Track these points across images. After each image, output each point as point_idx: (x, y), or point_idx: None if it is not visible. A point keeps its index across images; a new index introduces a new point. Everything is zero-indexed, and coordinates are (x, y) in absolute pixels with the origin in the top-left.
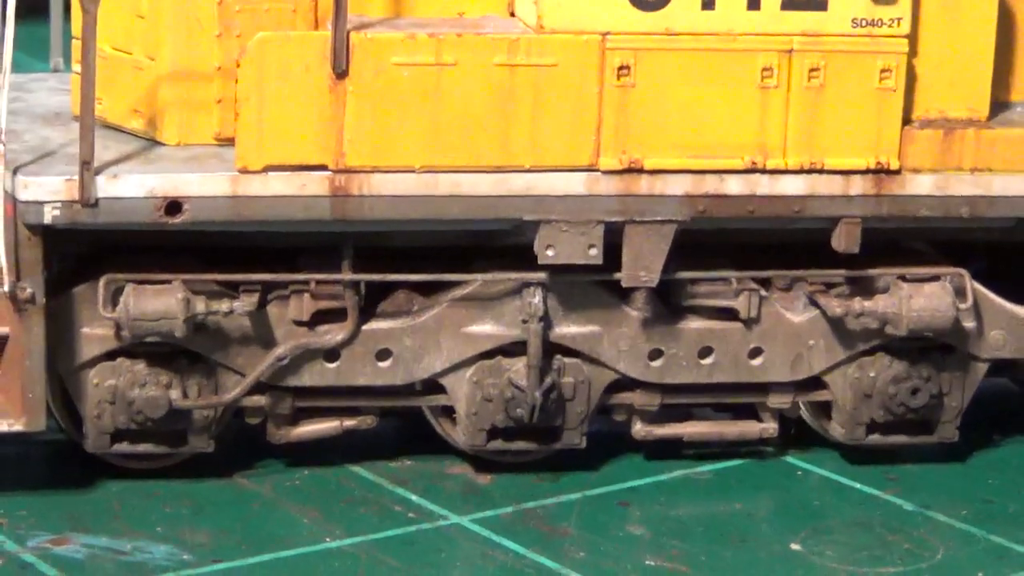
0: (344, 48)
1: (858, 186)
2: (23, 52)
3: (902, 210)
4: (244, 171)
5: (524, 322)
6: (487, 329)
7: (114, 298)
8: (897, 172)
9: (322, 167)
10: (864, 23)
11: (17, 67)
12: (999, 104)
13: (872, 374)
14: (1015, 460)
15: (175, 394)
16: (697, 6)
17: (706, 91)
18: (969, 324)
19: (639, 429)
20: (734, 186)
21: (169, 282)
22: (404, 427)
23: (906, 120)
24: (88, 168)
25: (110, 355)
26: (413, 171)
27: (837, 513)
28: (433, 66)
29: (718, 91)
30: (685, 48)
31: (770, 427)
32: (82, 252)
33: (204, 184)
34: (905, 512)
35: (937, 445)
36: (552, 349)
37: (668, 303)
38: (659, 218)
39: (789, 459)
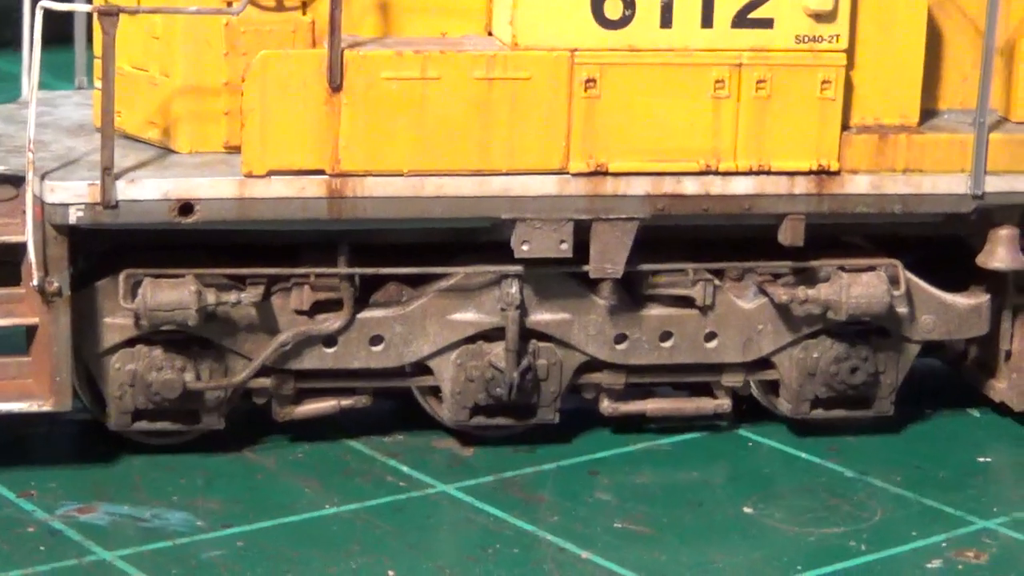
0: (339, 64)
1: (802, 186)
2: (51, 75)
3: (841, 207)
4: (249, 176)
5: (502, 310)
6: (469, 317)
7: (133, 291)
8: (837, 173)
9: (319, 171)
10: (806, 39)
11: (46, 87)
12: (928, 111)
13: (815, 355)
14: (944, 431)
15: (189, 377)
16: (656, 24)
17: (665, 101)
18: (902, 310)
19: (606, 406)
20: (690, 187)
21: (183, 276)
22: (395, 405)
23: (845, 126)
24: (109, 174)
25: (130, 342)
26: (401, 175)
27: (785, 480)
28: (419, 80)
29: (676, 101)
30: (646, 63)
31: (724, 403)
32: (104, 250)
33: (213, 187)
34: (846, 478)
35: (874, 418)
36: (528, 334)
37: (631, 292)
38: (623, 216)
39: (741, 432)
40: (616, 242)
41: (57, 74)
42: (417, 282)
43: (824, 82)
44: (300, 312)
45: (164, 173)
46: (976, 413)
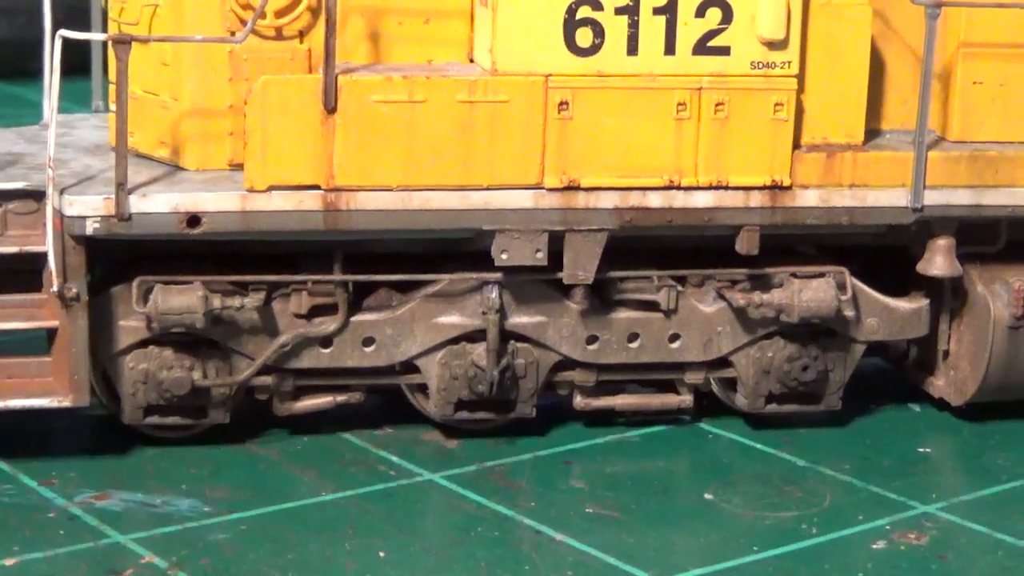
0: (333, 88)
1: (757, 200)
2: (71, 101)
3: (793, 219)
4: (251, 190)
5: (484, 314)
6: (454, 320)
7: (145, 296)
8: (789, 188)
9: (316, 186)
10: (760, 65)
11: (65, 111)
12: (872, 131)
13: (770, 354)
14: (887, 424)
15: (197, 375)
16: (623, 52)
17: (631, 122)
18: (849, 313)
19: (579, 401)
20: (655, 200)
21: (191, 283)
22: (386, 401)
23: (796, 145)
24: (123, 189)
25: (143, 343)
26: (391, 189)
27: (742, 468)
28: (407, 103)
29: (641, 122)
30: (614, 87)
31: (686, 399)
32: (118, 258)
33: (219, 201)
34: (798, 467)
35: (824, 412)
36: (507, 336)
37: (602, 297)
38: (593, 227)
39: (702, 425)
40: (587, 251)
41: (76, 101)
42: (406, 288)
43: (777, 104)
44: (299, 316)
45: (173, 188)
46: (917, 408)
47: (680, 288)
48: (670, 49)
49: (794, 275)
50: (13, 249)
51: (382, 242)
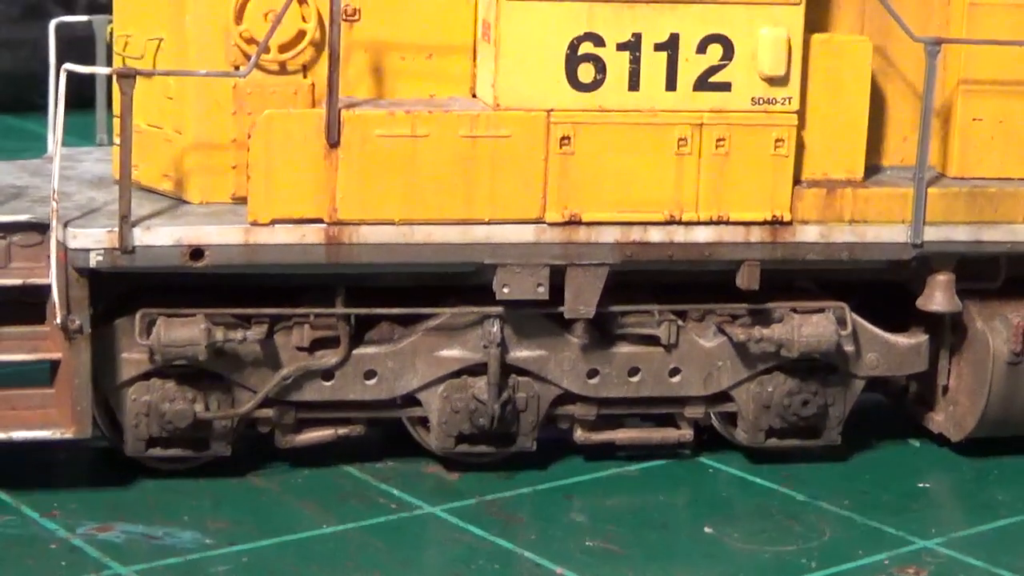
0: (336, 123)
1: (757, 235)
2: (75, 136)
3: (793, 254)
4: (255, 224)
5: (485, 347)
6: (455, 353)
7: (148, 328)
8: (789, 223)
9: (318, 220)
10: (761, 101)
11: (69, 145)
12: (872, 168)
13: (770, 389)
14: (887, 460)
15: (199, 408)
16: (625, 87)
17: (633, 157)
18: (849, 348)
19: (580, 435)
20: (656, 235)
21: (193, 315)
22: (387, 434)
23: (796, 180)
24: (126, 221)
25: (145, 375)
26: (393, 223)
27: (742, 503)
28: (409, 137)
29: (642, 157)
30: (615, 122)
31: (687, 433)
32: (121, 291)
33: (222, 234)
34: (798, 502)
35: (823, 447)
36: (508, 369)
37: (602, 331)
38: (595, 261)
39: (702, 459)
40: (588, 285)
41: (80, 135)
42: (407, 322)
43: (777, 140)
44: (301, 349)
45: (177, 221)
46: (916, 443)
47: (680, 323)
48: (671, 85)
49: (794, 310)
50: (17, 281)
51: (384, 276)
